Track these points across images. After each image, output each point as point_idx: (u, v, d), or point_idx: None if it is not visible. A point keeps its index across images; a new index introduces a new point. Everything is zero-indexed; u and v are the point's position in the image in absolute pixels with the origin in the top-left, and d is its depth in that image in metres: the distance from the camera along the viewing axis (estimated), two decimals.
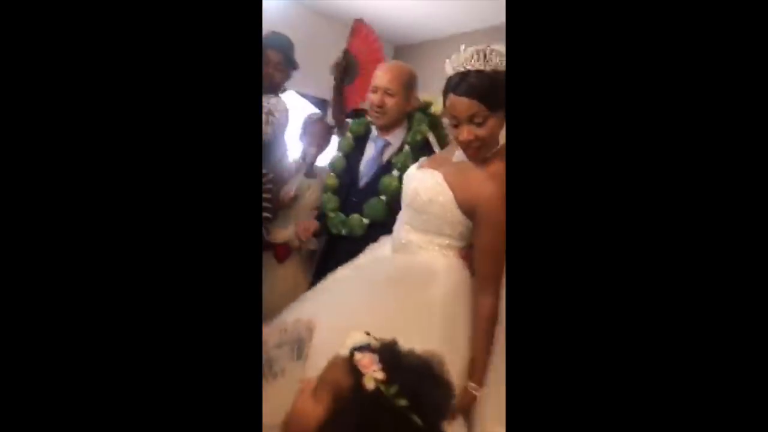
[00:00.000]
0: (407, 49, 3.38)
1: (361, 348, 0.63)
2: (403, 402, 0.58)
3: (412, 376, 0.62)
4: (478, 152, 1.06)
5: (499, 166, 1.03)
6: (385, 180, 1.43)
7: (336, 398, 0.61)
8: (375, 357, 0.61)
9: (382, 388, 0.59)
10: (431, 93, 1.65)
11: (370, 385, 0.59)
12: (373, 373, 0.60)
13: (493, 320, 1.03)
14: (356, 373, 0.61)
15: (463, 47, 1.04)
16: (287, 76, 1.84)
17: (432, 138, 1.50)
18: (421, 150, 1.45)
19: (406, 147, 1.46)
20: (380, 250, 1.26)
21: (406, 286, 1.08)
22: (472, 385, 1.01)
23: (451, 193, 1.07)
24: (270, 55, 1.76)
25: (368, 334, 0.66)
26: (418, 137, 1.46)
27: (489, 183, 1.03)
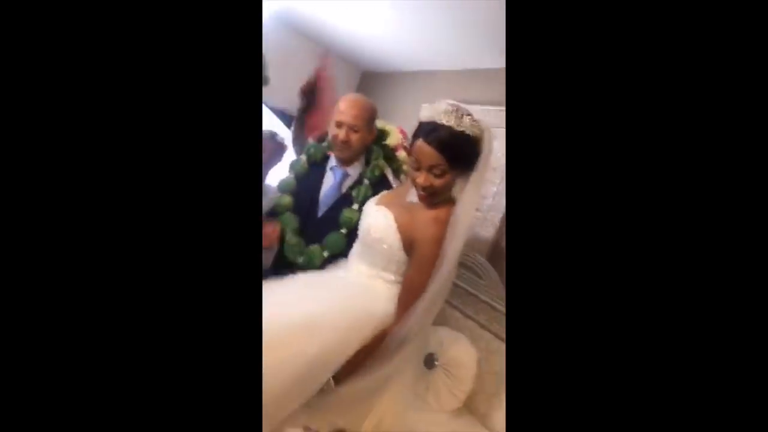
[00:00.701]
0: (373, 77, 3.44)
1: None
2: None
3: None
4: (429, 198, 1.17)
5: (443, 211, 1.13)
6: (346, 213, 1.46)
7: None
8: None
9: None
10: (390, 123, 1.71)
11: None
12: None
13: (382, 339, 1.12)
14: None
15: (443, 101, 1.13)
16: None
17: (388, 171, 1.56)
18: (379, 184, 1.51)
19: (366, 181, 1.51)
20: (332, 270, 1.34)
21: (351, 295, 1.17)
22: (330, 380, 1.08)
23: (399, 236, 1.17)
24: None
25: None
26: (377, 172, 1.53)
27: (431, 226, 1.13)
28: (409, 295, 1.13)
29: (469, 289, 1.86)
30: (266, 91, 2.01)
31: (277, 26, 2.92)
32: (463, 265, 1.90)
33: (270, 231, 1.48)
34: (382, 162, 1.54)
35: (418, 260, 1.13)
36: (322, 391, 1.07)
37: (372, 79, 3.45)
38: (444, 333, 1.73)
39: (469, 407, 1.65)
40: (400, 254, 1.17)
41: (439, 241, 1.09)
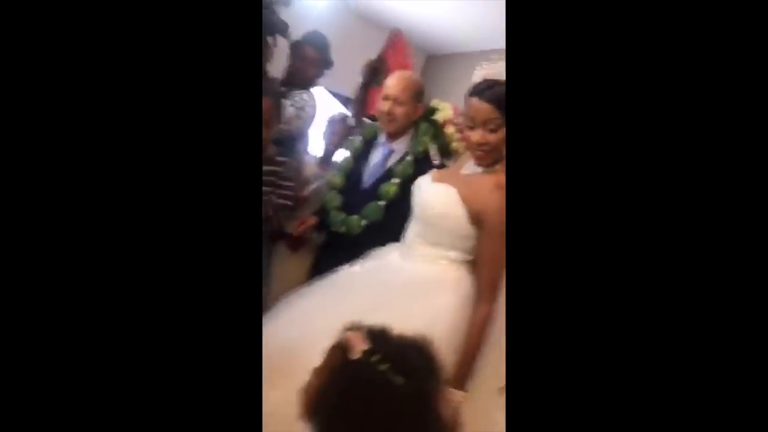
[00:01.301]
0: (438, 59, 3.42)
1: (353, 329, 0.72)
2: (384, 366, 0.65)
3: (396, 346, 0.69)
4: (485, 156, 1.14)
5: (503, 176, 1.09)
6: (385, 186, 1.52)
7: (325, 372, 0.69)
8: (360, 334, 0.70)
9: (365, 358, 0.66)
10: (452, 102, 1.71)
11: (353, 356, 0.67)
12: (358, 346, 0.67)
13: (484, 326, 1.07)
14: (343, 348, 0.69)
15: (499, 62, 1.11)
16: (320, 74, 1.91)
17: (433, 149, 1.57)
18: (422, 160, 1.54)
19: (408, 157, 1.56)
20: (388, 256, 1.29)
21: (414, 295, 1.12)
22: (452, 390, 1.02)
23: (464, 209, 1.12)
24: (306, 51, 1.83)
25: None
26: (420, 148, 1.56)
27: (496, 194, 1.08)
28: (491, 270, 1.08)
29: None
30: (329, 75, 2.11)
31: (340, 11, 2.98)
32: None
33: (301, 222, 1.57)
34: (426, 139, 1.57)
35: (489, 231, 1.09)
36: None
37: (437, 62, 3.43)
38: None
39: None
40: (468, 228, 1.12)
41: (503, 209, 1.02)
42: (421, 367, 0.69)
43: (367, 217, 1.51)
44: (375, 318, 0.95)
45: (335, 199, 1.61)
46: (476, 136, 1.12)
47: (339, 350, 0.70)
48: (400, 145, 1.59)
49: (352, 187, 1.61)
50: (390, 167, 1.57)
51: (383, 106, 1.54)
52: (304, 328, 1.09)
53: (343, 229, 1.54)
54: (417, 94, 1.56)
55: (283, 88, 1.75)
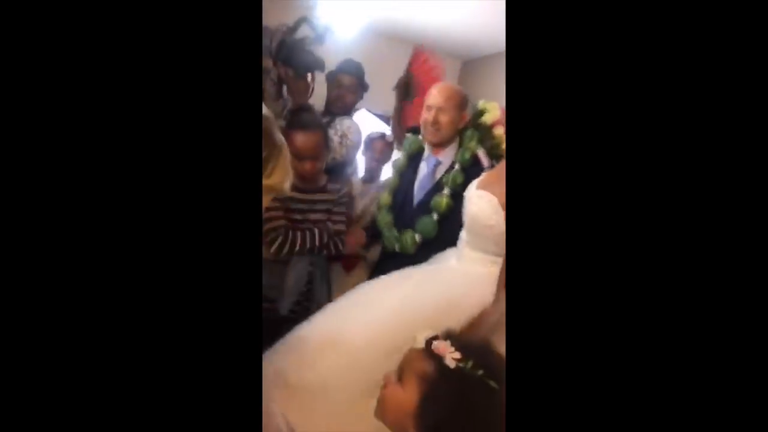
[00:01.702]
0: (474, 63, 3.40)
1: (432, 339, 0.77)
2: (480, 372, 0.71)
3: (478, 351, 0.74)
4: None
5: None
6: (436, 199, 1.51)
7: (423, 383, 0.73)
8: (447, 343, 0.74)
9: (461, 365, 0.71)
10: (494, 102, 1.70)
11: (451, 364, 0.72)
12: (450, 354, 0.72)
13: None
14: (436, 358, 0.73)
15: None
16: (359, 98, 1.97)
17: (482, 153, 1.56)
18: (471, 167, 1.52)
19: (457, 165, 1.54)
20: (444, 259, 1.35)
21: (465, 289, 1.17)
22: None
23: (502, 216, 1.14)
24: (343, 80, 1.90)
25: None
26: (467, 155, 1.54)
27: None
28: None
29: None
30: (367, 98, 2.17)
31: (370, 34, 3.06)
32: None
33: (353, 239, 1.59)
34: (473, 144, 1.55)
35: None
36: None
37: (474, 66, 3.42)
38: None
39: None
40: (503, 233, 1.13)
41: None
42: (501, 370, 0.71)
43: (421, 233, 1.51)
44: (431, 311, 1.07)
45: (386, 217, 1.61)
46: None
47: (425, 359, 0.73)
48: (447, 156, 1.58)
49: (402, 204, 1.61)
50: (439, 179, 1.56)
51: (427, 116, 1.54)
52: (365, 315, 1.14)
53: (397, 246, 1.54)
54: (461, 103, 1.56)
55: (325, 119, 1.83)
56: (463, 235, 1.29)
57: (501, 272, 1.14)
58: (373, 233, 1.67)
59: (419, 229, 1.51)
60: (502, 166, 1.30)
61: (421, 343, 0.76)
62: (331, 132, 1.79)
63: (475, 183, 1.29)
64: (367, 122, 2.78)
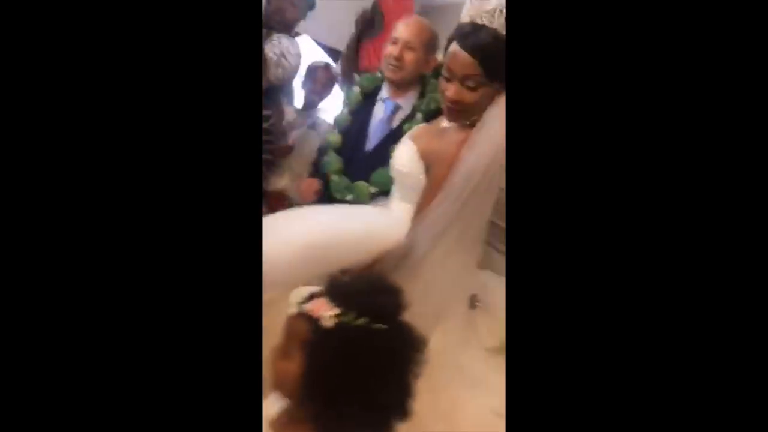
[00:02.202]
0: (433, 10, 3.25)
1: (307, 299, 0.68)
2: (362, 320, 0.64)
3: (363, 296, 0.68)
4: (459, 116, 1.02)
5: (469, 134, 1.00)
6: (395, 148, 1.40)
7: (305, 349, 0.66)
8: (323, 299, 0.67)
9: (343, 319, 0.65)
10: None
11: (328, 323, 0.65)
12: (326, 312, 0.65)
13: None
14: (312, 320, 0.66)
15: None
16: (302, 16, 1.76)
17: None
18: (432, 118, 1.39)
19: (418, 114, 1.41)
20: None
21: (362, 222, 1.12)
22: None
23: (422, 165, 1.07)
24: None
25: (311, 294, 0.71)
26: (432, 105, 1.39)
27: (451, 147, 1.00)
28: (418, 209, 1.07)
29: None
30: (314, 24, 1.96)
31: None
32: None
33: (307, 186, 1.46)
34: (437, 96, 1.43)
35: (429, 181, 1.04)
36: None
37: (432, 11, 3.27)
38: (488, 276, 1.71)
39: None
40: (422, 181, 1.09)
41: (451, 160, 0.98)
42: (390, 303, 0.68)
43: (376, 185, 1.37)
44: (337, 247, 1.01)
45: (335, 162, 1.46)
46: (451, 90, 0.97)
47: (302, 323, 0.66)
48: (407, 102, 1.43)
49: (354, 147, 1.46)
50: (397, 126, 1.42)
51: (391, 50, 1.37)
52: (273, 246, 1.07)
53: (349, 197, 1.41)
54: (431, 44, 1.39)
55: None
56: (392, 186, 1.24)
57: (419, 211, 1.09)
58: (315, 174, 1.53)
59: (375, 180, 1.38)
60: (438, 120, 1.22)
61: (294, 307, 0.69)
62: (266, 48, 1.59)
63: (408, 132, 1.21)
64: (309, 52, 2.56)
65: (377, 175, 1.39)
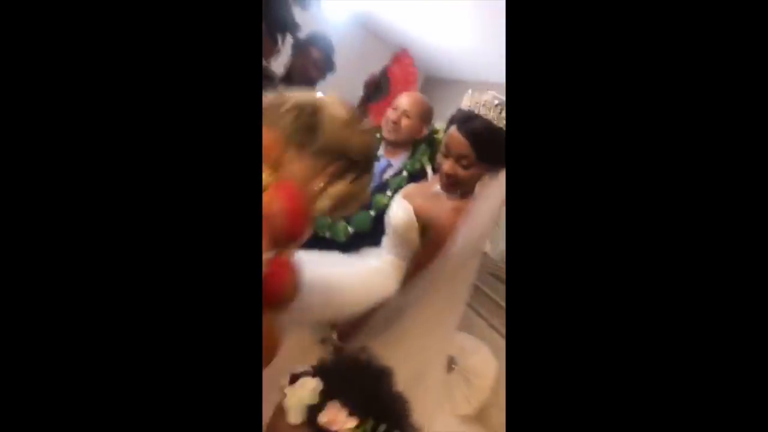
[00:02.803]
0: (435, 82, 3.47)
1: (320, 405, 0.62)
2: (383, 428, 0.61)
3: (355, 381, 0.65)
4: (452, 188, 1.14)
5: (465, 203, 1.12)
6: (377, 197, 1.53)
7: None
8: (339, 408, 0.62)
9: (363, 428, 0.61)
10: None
11: None
12: (344, 426, 0.60)
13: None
14: None
15: (489, 92, 1.09)
16: (322, 76, 1.90)
17: (429, 169, 1.61)
18: (416, 177, 1.56)
19: (404, 172, 1.58)
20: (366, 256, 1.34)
21: (358, 275, 1.18)
22: None
23: (416, 226, 1.17)
24: (311, 52, 1.83)
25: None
26: (417, 166, 1.59)
27: (448, 214, 1.12)
28: (412, 269, 1.15)
29: (501, 302, 1.85)
30: (329, 82, 2.10)
31: (349, 21, 3.00)
32: (497, 277, 1.90)
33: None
34: (425, 158, 1.60)
35: (427, 243, 1.14)
36: (324, 343, 1.13)
37: (435, 84, 3.48)
38: (467, 339, 1.73)
39: (482, 418, 1.64)
40: (416, 238, 1.17)
41: (451, 227, 1.08)
42: (394, 401, 0.66)
43: (355, 226, 1.51)
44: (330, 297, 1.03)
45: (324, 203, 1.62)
46: (447, 165, 1.10)
47: None
48: (398, 162, 1.61)
49: None
50: (385, 181, 1.58)
51: (391, 114, 1.57)
52: None
53: (327, 234, 1.53)
54: (425, 116, 1.59)
55: (282, 87, 1.74)
56: (385, 239, 1.32)
57: (407, 270, 1.17)
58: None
59: (355, 222, 1.52)
60: (428, 181, 1.36)
61: (299, 413, 0.63)
62: None
63: (402, 191, 1.32)
64: None
65: (357, 218, 1.51)
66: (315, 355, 1.07)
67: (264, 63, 1.57)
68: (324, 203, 0.83)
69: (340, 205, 0.85)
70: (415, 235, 1.17)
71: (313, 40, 1.87)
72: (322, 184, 0.82)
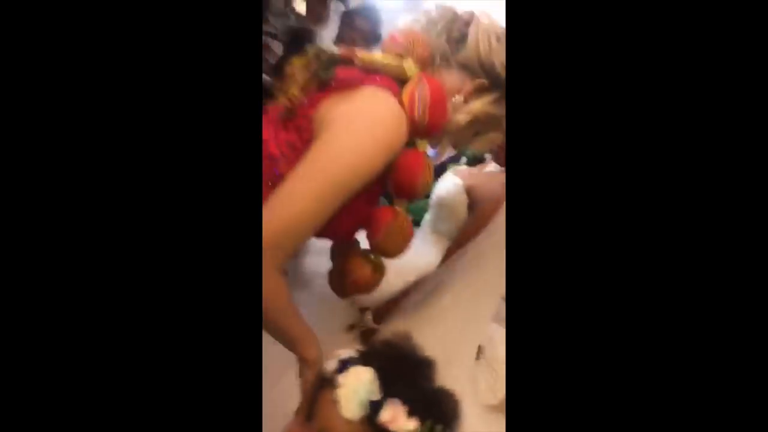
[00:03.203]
0: None
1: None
2: (439, 428, 0.60)
3: (400, 370, 0.63)
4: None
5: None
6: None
7: None
8: (399, 407, 0.59)
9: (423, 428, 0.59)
10: None
11: None
12: (405, 426, 0.58)
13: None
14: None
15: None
16: (368, 47, 1.86)
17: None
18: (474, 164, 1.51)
19: (464, 158, 1.53)
20: None
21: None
22: None
23: (465, 198, 1.20)
24: (360, 23, 1.79)
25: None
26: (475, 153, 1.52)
27: (500, 188, 1.10)
28: (455, 245, 1.15)
29: None
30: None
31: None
32: None
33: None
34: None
35: (474, 216, 1.14)
36: (360, 327, 1.12)
37: None
38: (497, 329, 1.70)
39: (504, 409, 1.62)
40: (464, 214, 1.20)
41: (499, 200, 1.06)
42: (445, 399, 0.65)
43: (413, 214, 1.47)
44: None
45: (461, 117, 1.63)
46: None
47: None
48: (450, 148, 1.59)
49: None
50: (441, 164, 1.53)
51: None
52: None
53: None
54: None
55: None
56: (428, 215, 1.32)
57: (452, 244, 1.16)
58: None
59: (412, 210, 1.49)
60: (483, 165, 1.36)
61: (356, 412, 0.60)
62: None
63: (451, 169, 1.33)
64: None
65: (415, 206, 1.47)
66: (341, 343, 1.03)
67: (314, 28, 1.53)
68: (461, 117, 0.81)
69: (475, 122, 0.83)
70: (462, 209, 1.18)
71: (362, 12, 1.84)
72: (462, 98, 0.80)
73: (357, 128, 0.70)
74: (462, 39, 0.80)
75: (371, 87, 0.73)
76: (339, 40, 1.85)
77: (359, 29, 1.86)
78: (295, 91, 0.73)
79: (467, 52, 0.80)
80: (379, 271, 0.85)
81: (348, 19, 1.85)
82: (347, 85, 0.73)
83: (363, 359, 0.64)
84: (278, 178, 0.74)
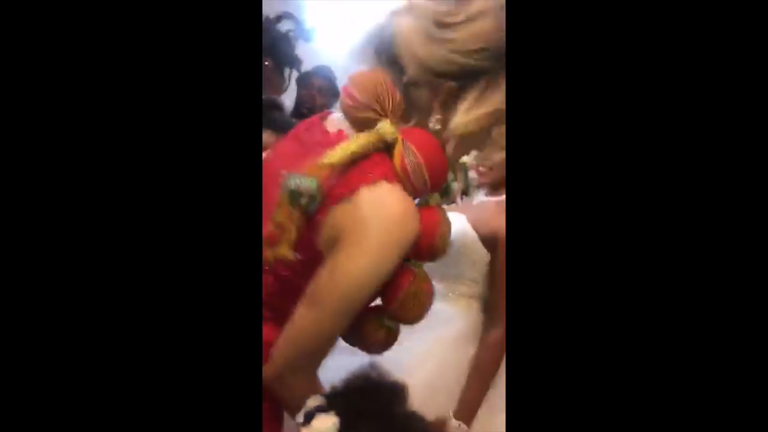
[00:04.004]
0: None
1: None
2: None
3: (387, 419, 0.61)
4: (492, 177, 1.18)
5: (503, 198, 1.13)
6: None
7: None
8: None
9: None
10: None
11: None
12: None
13: (497, 350, 1.08)
14: None
15: None
16: (329, 103, 2.00)
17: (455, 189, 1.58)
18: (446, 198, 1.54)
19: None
20: None
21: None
22: (460, 424, 1.04)
23: (475, 233, 1.14)
24: (315, 82, 1.96)
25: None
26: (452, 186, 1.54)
27: (503, 216, 1.07)
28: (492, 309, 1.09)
29: None
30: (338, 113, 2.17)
31: (356, 56, 3.06)
32: None
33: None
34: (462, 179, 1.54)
35: (503, 253, 1.07)
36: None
37: None
38: None
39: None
40: (482, 252, 1.13)
41: (501, 227, 1.04)
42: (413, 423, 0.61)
43: None
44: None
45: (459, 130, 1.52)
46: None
47: None
48: None
49: None
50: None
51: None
52: None
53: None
54: None
55: (293, 120, 1.84)
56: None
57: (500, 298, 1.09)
58: None
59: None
60: (468, 198, 1.37)
61: None
62: None
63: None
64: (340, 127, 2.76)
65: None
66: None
67: (273, 97, 1.66)
68: (459, 130, 0.70)
69: (476, 127, 0.69)
70: (478, 247, 1.12)
71: (316, 72, 1.98)
72: (438, 117, 0.70)
73: (370, 242, 0.66)
74: (396, 59, 0.68)
75: (367, 188, 0.67)
76: (299, 103, 2.01)
77: (317, 87, 1.99)
78: (283, 250, 0.68)
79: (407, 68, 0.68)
80: (393, 336, 0.79)
81: (303, 81, 1.96)
82: (344, 192, 0.68)
83: (329, 403, 0.61)
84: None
